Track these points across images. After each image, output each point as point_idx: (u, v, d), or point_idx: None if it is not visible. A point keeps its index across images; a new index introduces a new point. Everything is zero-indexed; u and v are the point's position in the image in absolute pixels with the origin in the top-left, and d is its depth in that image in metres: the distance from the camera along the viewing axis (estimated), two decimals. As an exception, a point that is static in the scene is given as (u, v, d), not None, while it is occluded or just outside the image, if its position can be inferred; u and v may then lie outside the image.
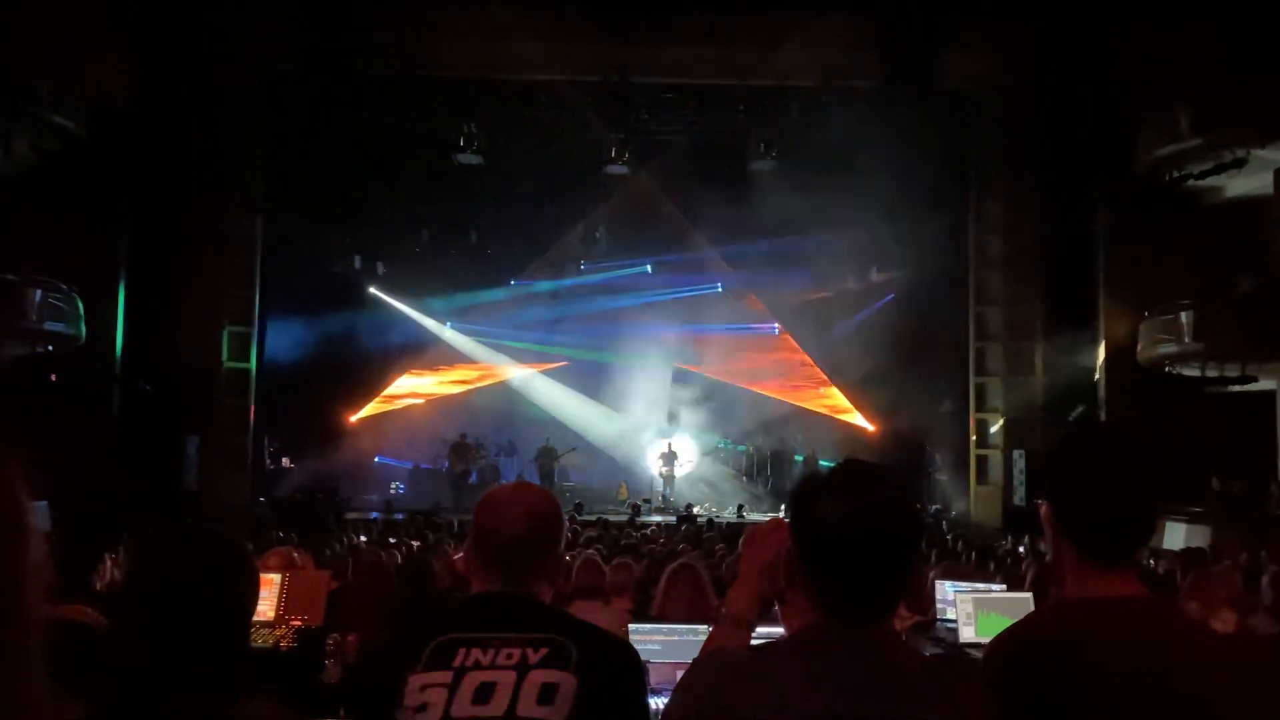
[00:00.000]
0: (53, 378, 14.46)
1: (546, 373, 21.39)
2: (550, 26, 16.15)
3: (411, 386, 21.13)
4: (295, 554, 7.18)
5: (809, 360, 21.18)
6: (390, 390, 20.79)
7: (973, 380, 17.93)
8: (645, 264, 21.23)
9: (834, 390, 20.91)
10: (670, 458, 19.36)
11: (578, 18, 15.94)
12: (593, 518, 14.66)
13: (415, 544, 9.88)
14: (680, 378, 21.00)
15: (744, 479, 19.81)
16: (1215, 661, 1.70)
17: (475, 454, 19.45)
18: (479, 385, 21.39)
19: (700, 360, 21.13)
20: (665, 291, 21.25)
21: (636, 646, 2.19)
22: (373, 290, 20.61)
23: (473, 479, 18.76)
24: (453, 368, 21.45)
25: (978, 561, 9.05)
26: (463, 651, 1.87)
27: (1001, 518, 16.52)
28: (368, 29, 15.93)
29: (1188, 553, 8.89)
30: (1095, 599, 1.77)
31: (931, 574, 6.32)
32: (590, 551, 7.42)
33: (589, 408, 21.02)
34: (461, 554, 7.95)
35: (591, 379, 21.20)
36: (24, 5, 13.87)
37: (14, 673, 0.95)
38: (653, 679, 3.27)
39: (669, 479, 19.27)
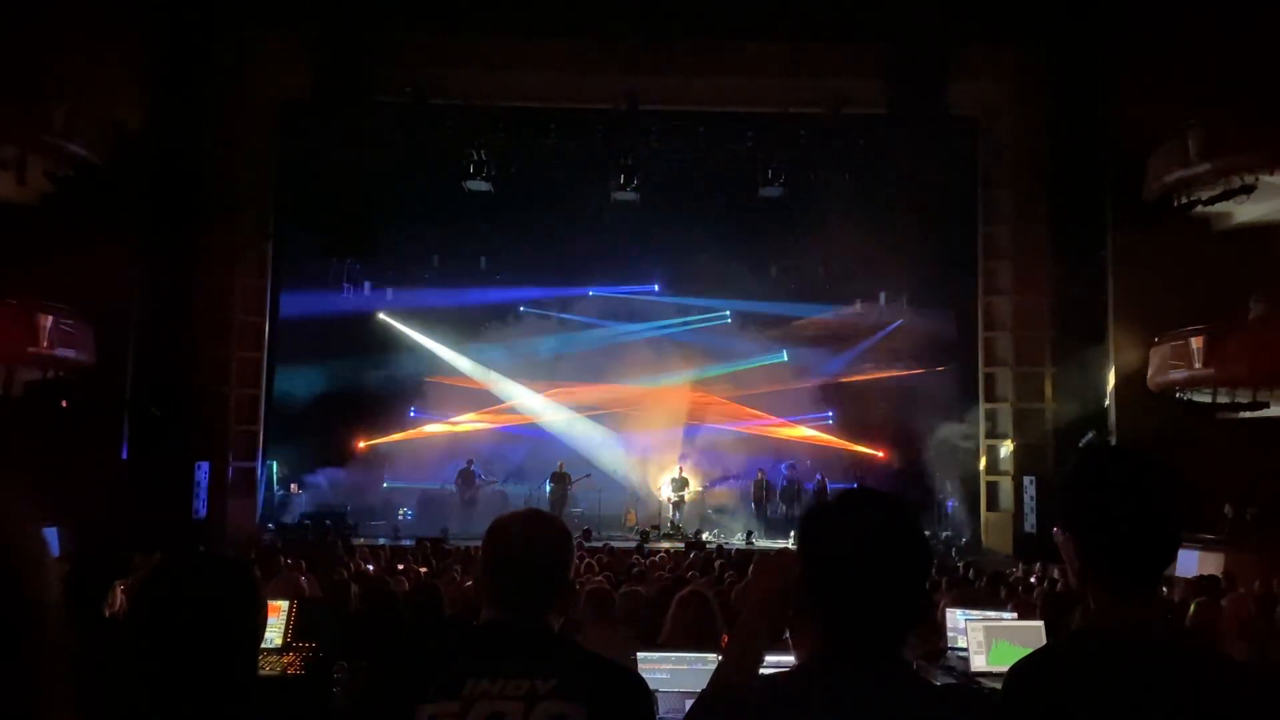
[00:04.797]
0: (64, 403, 14.50)
1: (555, 399, 21.36)
2: (559, 55, 16.29)
3: (429, 427, 21.03)
4: (303, 580, 7.20)
5: (815, 387, 21.16)
6: (406, 432, 20.74)
7: (983, 406, 17.88)
8: (653, 286, 21.28)
9: (841, 417, 20.86)
10: (680, 484, 19.29)
11: (587, 46, 16.06)
12: (600, 544, 14.60)
13: (423, 570, 9.86)
14: (692, 424, 20.98)
15: (753, 506, 19.73)
16: (1235, 692, 1.69)
17: (483, 480, 19.42)
18: (488, 415, 21.34)
19: (708, 387, 21.12)
20: (673, 319, 21.31)
21: (645, 675, 2.19)
22: (382, 316, 20.67)
23: (480, 505, 18.72)
24: (461, 395, 21.40)
25: (989, 589, 8.98)
26: (471, 682, 1.86)
27: (1013, 545, 16.42)
28: (379, 57, 16.07)
29: (1201, 580, 8.82)
30: (1119, 630, 1.75)
31: (942, 602, 6.28)
32: (599, 578, 7.40)
33: (598, 434, 21.00)
34: (469, 581, 7.94)
35: (600, 405, 21.18)
36: (39, 34, 14.03)
37: (38, 702, 0.96)
38: (661, 708, 3.25)
39: (678, 505, 19.20)
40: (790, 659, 1.90)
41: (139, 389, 15.54)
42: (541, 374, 21.31)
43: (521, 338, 21.14)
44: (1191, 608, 5.38)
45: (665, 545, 15.94)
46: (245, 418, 17.09)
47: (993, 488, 17.75)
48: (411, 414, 20.82)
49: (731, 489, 20.55)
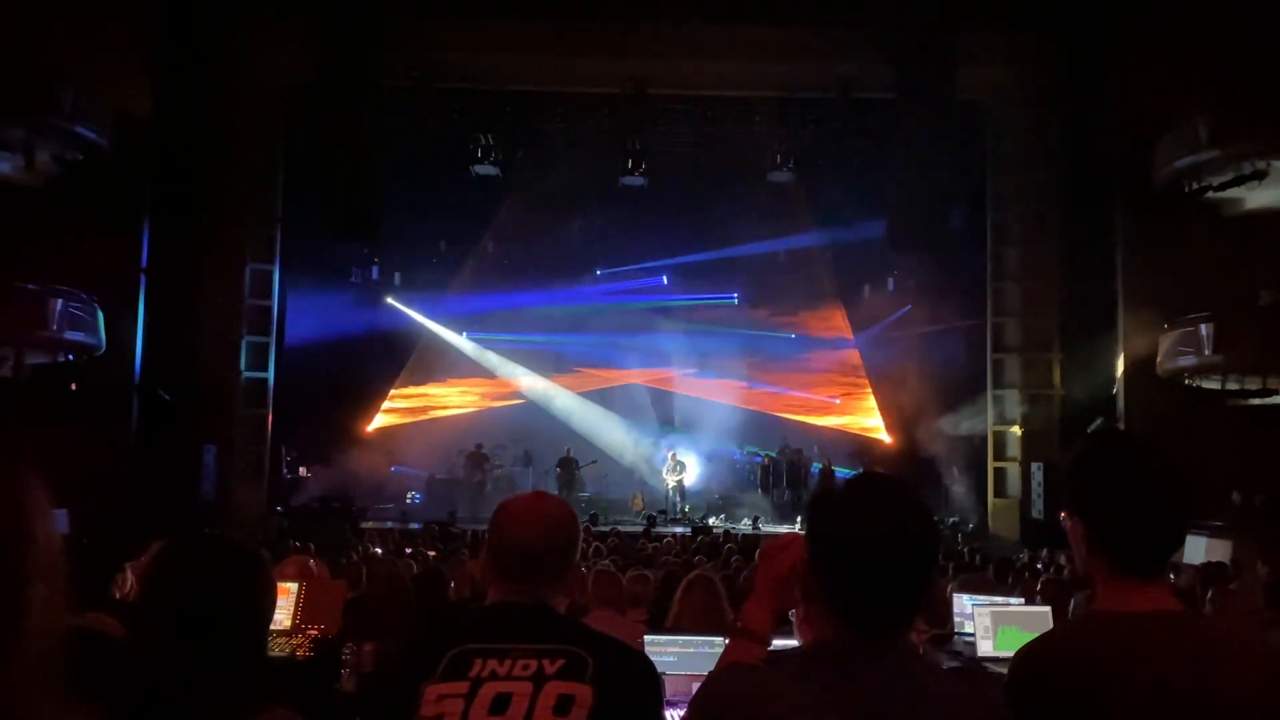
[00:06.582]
0: (73, 386, 14.54)
1: (563, 383, 21.39)
2: (567, 39, 16.22)
3: (430, 399, 21.14)
4: (312, 563, 7.21)
5: (822, 371, 21.16)
6: (408, 404, 20.83)
7: (990, 392, 17.84)
8: (661, 276, 21.27)
9: (849, 401, 20.87)
10: (678, 467, 19.28)
11: (594, 30, 16.00)
12: (607, 529, 14.63)
13: (431, 554, 9.89)
14: (699, 407, 20.98)
15: (759, 490, 19.74)
16: (1245, 677, 1.68)
17: (491, 464, 19.47)
18: (496, 400, 21.41)
19: (713, 372, 21.11)
20: (680, 302, 21.30)
21: (652, 658, 2.19)
22: (390, 300, 20.69)
23: (488, 489, 18.78)
24: (469, 380, 21.47)
25: (996, 575, 8.99)
26: (479, 662, 1.87)
27: (1020, 530, 16.42)
28: (385, 41, 16.02)
29: (1209, 567, 8.80)
30: (1126, 613, 1.75)
31: (949, 587, 6.28)
32: (605, 562, 7.42)
33: (604, 418, 21.03)
34: (479, 562, 7.96)
35: (606, 389, 21.22)
36: (47, 18, 14.02)
37: (11, 684, 0.94)
38: (668, 690, 3.26)
39: (679, 489, 19.19)
40: (795, 643, 1.91)
41: (147, 372, 15.57)
42: (549, 358, 21.34)
43: (529, 322, 21.16)
44: (1209, 594, 5.37)
45: (673, 530, 15.95)
46: (253, 401, 17.13)
47: (1000, 474, 17.73)
48: (419, 398, 20.86)
49: (736, 470, 20.59)
